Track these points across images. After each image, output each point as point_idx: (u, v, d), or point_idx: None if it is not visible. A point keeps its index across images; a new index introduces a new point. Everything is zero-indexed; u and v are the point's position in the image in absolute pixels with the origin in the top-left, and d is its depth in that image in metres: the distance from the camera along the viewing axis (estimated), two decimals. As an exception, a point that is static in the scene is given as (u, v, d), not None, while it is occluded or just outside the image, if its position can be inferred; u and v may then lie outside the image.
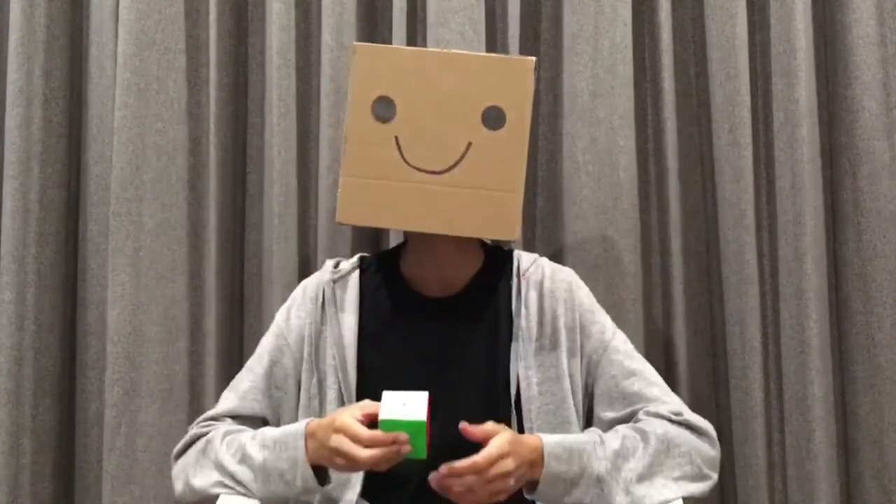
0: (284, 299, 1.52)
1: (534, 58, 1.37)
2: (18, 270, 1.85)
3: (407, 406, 1.20)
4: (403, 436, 1.19)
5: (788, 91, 1.77)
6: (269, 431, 1.36)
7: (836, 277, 1.83)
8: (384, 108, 1.35)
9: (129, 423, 1.82)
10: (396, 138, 1.35)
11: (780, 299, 1.79)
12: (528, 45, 1.87)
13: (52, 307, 1.90)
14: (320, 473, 1.31)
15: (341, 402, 1.40)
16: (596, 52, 1.80)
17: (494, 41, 1.87)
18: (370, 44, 1.41)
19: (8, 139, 1.87)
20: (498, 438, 1.23)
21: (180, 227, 1.87)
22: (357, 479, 1.37)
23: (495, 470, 1.21)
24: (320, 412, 1.41)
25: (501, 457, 1.21)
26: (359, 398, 1.39)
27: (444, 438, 1.32)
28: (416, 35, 1.87)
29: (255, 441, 1.35)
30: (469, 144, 1.34)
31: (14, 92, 1.86)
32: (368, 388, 1.40)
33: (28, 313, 1.87)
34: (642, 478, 1.32)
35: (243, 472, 1.33)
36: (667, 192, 1.83)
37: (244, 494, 1.34)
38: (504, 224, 1.35)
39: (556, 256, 1.82)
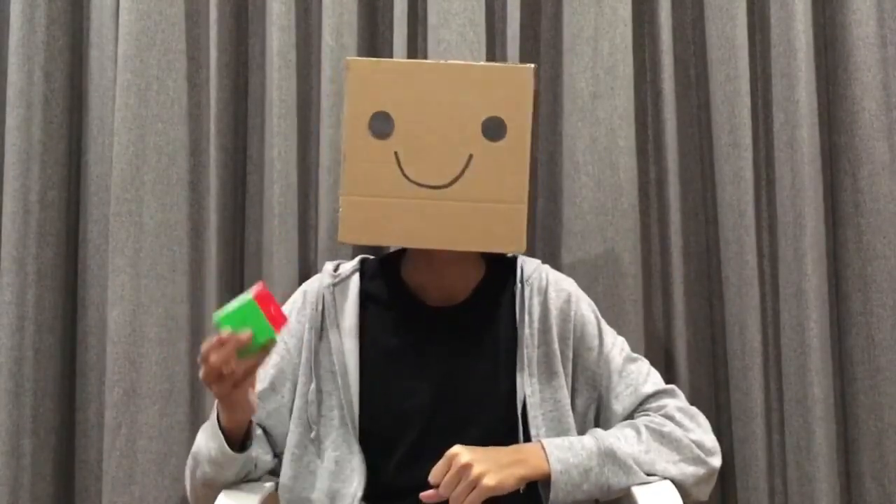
0: (284, 299, 1.52)
1: (533, 65, 1.33)
2: (18, 271, 1.85)
3: (238, 300, 1.20)
4: (228, 333, 1.17)
5: (788, 92, 1.76)
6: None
7: (836, 278, 1.83)
8: (382, 124, 1.33)
9: (129, 424, 1.82)
10: (396, 154, 1.33)
11: (780, 300, 1.79)
12: (528, 45, 1.86)
13: (52, 307, 1.90)
14: (241, 442, 1.33)
15: (341, 409, 1.39)
16: (596, 52, 1.80)
17: (494, 42, 1.87)
18: (364, 58, 1.38)
19: (8, 140, 1.87)
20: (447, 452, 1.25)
21: (180, 228, 1.87)
22: (358, 485, 1.37)
23: (453, 469, 1.22)
24: (318, 419, 1.41)
25: (451, 458, 1.24)
26: (360, 406, 1.39)
27: (450, 444, 1.32)
28: (416, 36, 1.87)
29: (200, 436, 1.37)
30: (470, 157, 1.32)
31: (14, 93, 1.86)
32: (369, 395, 1.40)
33: (28, 314, 1.86)
34: (645, 454, 1.35)
35: (205, 469, 1.34)
36: (667, 192, 1.83)
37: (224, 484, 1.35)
38: (510, 236, 1.33)
39: (556, 256, 1.82)
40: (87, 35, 1.94)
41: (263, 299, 1.19)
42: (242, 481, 1.40)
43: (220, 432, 1.31)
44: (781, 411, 1.80)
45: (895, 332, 1.76)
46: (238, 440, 1.33)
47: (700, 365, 1.85)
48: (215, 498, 1.36)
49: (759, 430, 1.76)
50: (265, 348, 1.20)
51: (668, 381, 1.48)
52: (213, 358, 1.18)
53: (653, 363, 1.50)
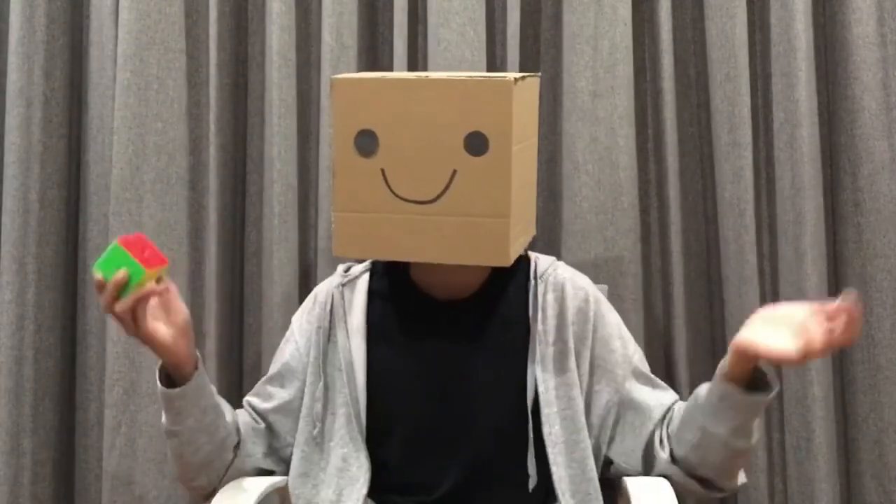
0: (284, 299, 1.52)
1: (513, 77, 1.31)
2: (18, 270, 1.85)
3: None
4: (99, 277, 1.23)
5: (788, 91, 1.77)
6: None
7: (836, 277, 1.83)
8: (367, 142, 1.32)
9: (129, 424, 1.82)
10: (382, 171, 1.33)
11: (780, 299, 1.79)
12: (528, 45, 1.87)
13: (52, 307, 1.90)
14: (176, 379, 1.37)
15: (348, 407, 1.40)
16: (596, 52, 1.80)
17: (494, 41, 1.87)
18: (348, 76, 1.37)
19: (8, 139, 1.87)
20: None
21: (180, 227, 1.87)
22: (364, 482, 1.37)
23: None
24: (323, 416, 1.41)
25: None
26: (368, 402, 1.39)
27: (458, 439, 1.31)
28: (416, 35, 1.87)
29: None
30: (454, 172, 1.31)
31: (14, 92, 1.86)
32: (378, 392, 1.40)
33: (28, 313, 1.87)
34: None
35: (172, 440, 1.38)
36: (667, 192, 1.83)
37: (192, 453, 1.38)
38: (495, 251, 1.32)
39: (556, 256, 1.81)
40: (87, 34, 1.95)
41: (132, 244, 1.25)
42: (237, 475, 1.41)
43: (157, 380, 1.36)
44: (781, 411, 1.80)
45: (895, 332, 1.76)
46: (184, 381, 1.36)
47: (700, 365, 1.85)
48: (196, 473, 1.39)
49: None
50: (142, 284, 1.24)
51: (668, 381, 1.48)
52: (101, 302, 1.25)
53: (653, 363, 1.49)
